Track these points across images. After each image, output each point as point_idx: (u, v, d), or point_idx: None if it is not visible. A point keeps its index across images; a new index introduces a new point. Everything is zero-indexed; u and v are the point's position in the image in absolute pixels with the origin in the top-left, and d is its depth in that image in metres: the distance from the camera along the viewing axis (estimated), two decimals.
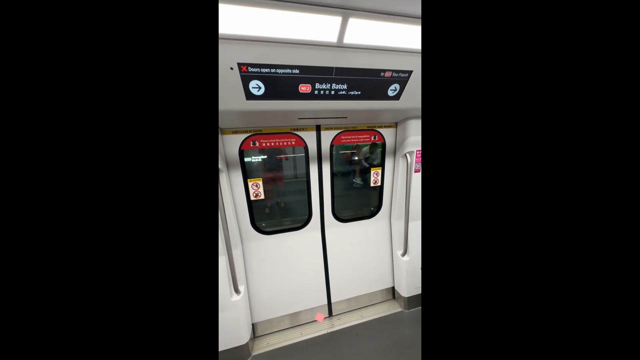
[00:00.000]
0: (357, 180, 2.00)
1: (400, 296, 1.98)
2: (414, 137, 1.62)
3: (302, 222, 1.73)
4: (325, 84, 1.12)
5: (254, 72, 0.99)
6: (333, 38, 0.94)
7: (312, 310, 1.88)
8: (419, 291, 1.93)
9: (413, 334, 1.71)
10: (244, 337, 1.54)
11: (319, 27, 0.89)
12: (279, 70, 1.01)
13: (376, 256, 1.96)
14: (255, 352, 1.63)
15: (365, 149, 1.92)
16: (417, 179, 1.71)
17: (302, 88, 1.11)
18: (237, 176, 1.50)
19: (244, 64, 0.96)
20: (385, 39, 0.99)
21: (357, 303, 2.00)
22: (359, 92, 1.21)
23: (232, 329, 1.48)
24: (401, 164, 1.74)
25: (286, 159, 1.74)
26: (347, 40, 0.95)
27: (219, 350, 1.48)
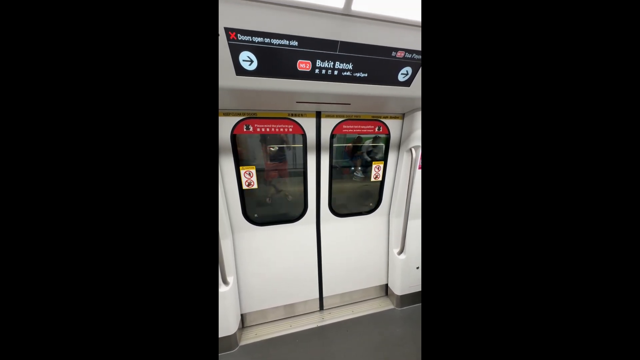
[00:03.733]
0: (358, 174, 1.90)
1: (393, 294, 1.95)
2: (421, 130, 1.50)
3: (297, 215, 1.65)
4: (328, 61, 0.98)
5: (245, 40, 0.85)
6: (339, 3, 0.79)
7: (303, 303, 1.86)
8: (413, 290, 1.90)
9: (404, 332, 1.69)
10: (231, 327, 1.51)
11: None
12: (274, 41, 0.87)
13: (372, 253, 1.91)
14: (242, 342, 1.62)
15: (369, 141, 1.80)
16: (420, 175, 1.60)
17: (301, 65, 0.97)
18: (229, 163, 1.39)
19: (232, 30, 0.81)
20: (402, 9, 0.84)
21: (350, 298, 1.98)
22: (366, 75, 1.07)
23: (220, 319, 1.44)
24: (405, 159, 1.63)
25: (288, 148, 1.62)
26: (355, 6, 0.80)
27: None
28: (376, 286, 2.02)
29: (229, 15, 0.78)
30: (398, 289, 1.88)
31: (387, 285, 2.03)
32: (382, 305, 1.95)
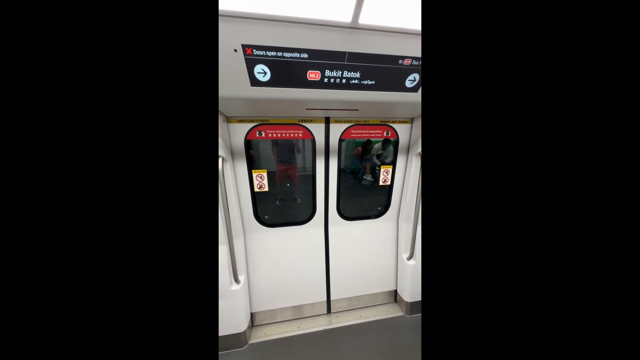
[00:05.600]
0: (367, 177, 1.91)
1: (402, 300, 1.91)
2: None
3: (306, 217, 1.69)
4: (336, 71, 1.02)
5: (260, 55, 0.92)
6: (347, 18, 0.84)
7: (311, 305, 1.88)
8: None
9: (413, 341, 1.65)
10: (242, 325, 1.56)
11: (332, 3, 0.79)
12: (286, 54, 0.94)
13: (380, 258, 1.89)
14: (252, 341, 1.66)
15: (377, 145, 1.81)
16: None
17: (311, 75, 1.02)
18: (242, 166, 1.47)
19: (248, 46, 0.89)
20: (407, 20, 0.87)
21: (358, 303, 1.97)
22: (373, 82, 1.10)
23: (230, 317, 1.50)
24: (414, 163, 1.62)
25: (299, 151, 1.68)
26: (362, 20, 0.84)
27: (219, 335, 1.51)
28: (385, 292, 1.99)
29: (246, 33, 0.85)
30: (408, 295, 1.84)
31: (396, 291, 1.99)
32: (391, 312, 1.91)
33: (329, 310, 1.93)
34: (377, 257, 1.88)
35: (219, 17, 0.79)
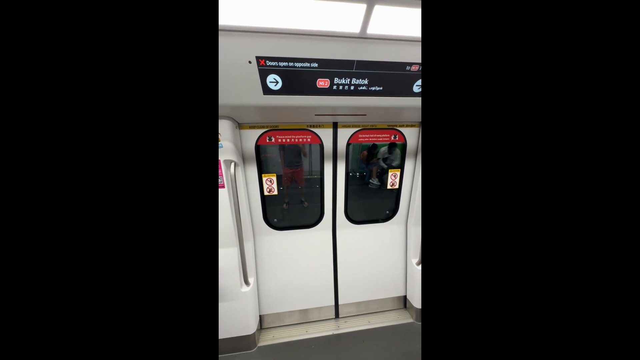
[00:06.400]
0: (373, 181, 1.92)
1: (412, 306, 1.87)
2: None
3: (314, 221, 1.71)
4: (345, 78, 1.06)
5: (272, 65, 0.97)
6: (356, 29, 0.87)
7: (319, 309, 1.87)
8: None
9: None
10: (251, 327, 1.58)
11: (341, 16, 0.83)
12: (297, 64, 0.98)
13: (389, 262, 1.87)
14: (261, 344, 1.67)
15: (384, 148, 1.82)
16: None
17: (320, 83, 1.06)
18: (253, 170, 1.52)
19: (262, 58, 0.94)
20: (414, 29, 0.90)
21: (366, 308, 1.94)
22: (381, 88, 1.13)
23: (240, 319, 1.53)
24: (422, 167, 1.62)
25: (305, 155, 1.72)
26: (370, 30, 0.88)
27: (228, 337, 1.54)
28: (394, 297, 1.96)
29: (260, 46, 0.91)
30: (417, 301, 1.80)
31: (405, 297, 1.96)
32: (401, 318, 1.87)
33: (337, 315, 1.91)
34: (385, 262, 1.87)
35: (235, 32, 0.85)
